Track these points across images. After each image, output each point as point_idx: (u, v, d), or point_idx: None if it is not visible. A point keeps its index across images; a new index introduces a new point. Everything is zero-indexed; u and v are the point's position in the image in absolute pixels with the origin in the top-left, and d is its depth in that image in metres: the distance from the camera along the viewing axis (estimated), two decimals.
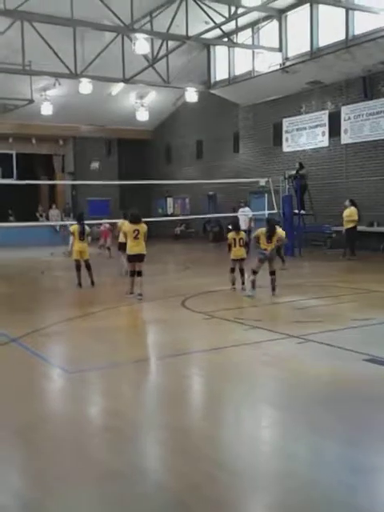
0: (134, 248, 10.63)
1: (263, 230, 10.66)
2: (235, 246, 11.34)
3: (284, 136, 22.51)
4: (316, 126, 21.14)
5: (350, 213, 16.50)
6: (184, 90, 23.18)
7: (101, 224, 19.87)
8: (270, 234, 10.53)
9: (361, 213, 16.96)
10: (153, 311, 10.08)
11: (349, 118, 19.82)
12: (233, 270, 11.33)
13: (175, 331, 8.14)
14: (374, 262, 15.64)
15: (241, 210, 21.12)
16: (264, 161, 23.48)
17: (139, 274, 10.68)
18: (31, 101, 23.19)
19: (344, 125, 19.98)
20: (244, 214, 20.76)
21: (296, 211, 18.28)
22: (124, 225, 11.00)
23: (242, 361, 6.46)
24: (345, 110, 19.94)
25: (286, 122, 22.37)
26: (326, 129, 20.71)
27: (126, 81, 21.01)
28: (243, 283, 11.23)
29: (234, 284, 11.28)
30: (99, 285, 12.32)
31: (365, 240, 18.25)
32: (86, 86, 20.80)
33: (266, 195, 22.17)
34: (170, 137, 29.58)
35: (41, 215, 28.34)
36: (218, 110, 25.41)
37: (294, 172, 19.04)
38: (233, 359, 6.53)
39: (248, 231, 21.06)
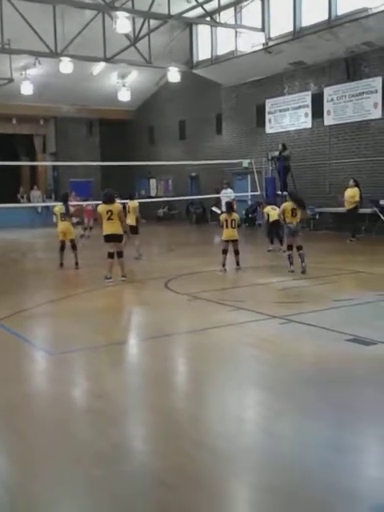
0: (107, 229, 10.35)
1: (288, 204, 10.95)
2: (227, 226, 11.33)
3: (267, 117, 22.43)
4: (299, 107, 21.08)
5: (353, 193, 16.30)
6: (166, 69, 22.95)
7: (82, 205, 19.71)
8: (294, 208, 10.82)
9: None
10: (136, 293, 10.06)
11: (332, 100, 19.79)
12: (224, 251, 11.32)
13: (159, 313, 8.14)
14: (360, 244, 15.72)
15: (223, 191, 21.15)
16: (247, 142, 23.41)
17: (119, 255, 10.48)
18: (11, 80, 22.80)
19: (327, 106, 19.95)
20: (226, 196, 20.81)
21: (279, 192, 18.30)
22: (99, 206, 10.68)
23: (225, 342, 6.47)
24: (328, 91, 19.89)
25: (268, 103, 22.28)
26: (309, 110, 20.67)
27: (107, 60, 20.73)
28: (238, 264, 11.29)
29: (224, 265, 11.26)
30: (83, 266, 12.25)
31: (345, 222, 18.36)
32: (66, 66, 20.48)
33: (249, 176, 22.17)
34: (153, 117, 29.34)
35: (22, 197, 28.06)
36: (201, 90, 25.22)
37: (276, 153, 19.02)
38: (216, 340, 6.55)
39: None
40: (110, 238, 10.42)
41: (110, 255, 10.42)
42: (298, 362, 5.70)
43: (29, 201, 27.68)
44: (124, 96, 26.48)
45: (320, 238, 16.67)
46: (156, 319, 7.78)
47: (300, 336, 6.64)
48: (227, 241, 11.36)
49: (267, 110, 22.38)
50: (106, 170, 27.95)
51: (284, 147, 19.07)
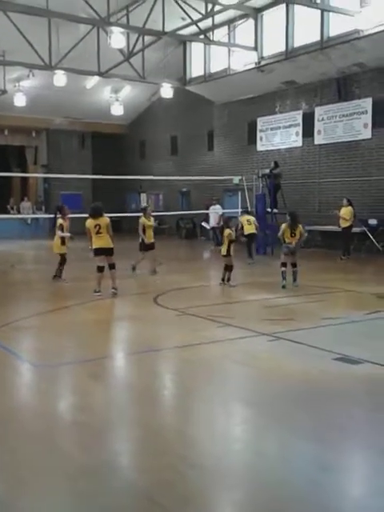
0: (97, 242, 10.28)
1: (286, 225, 11.27)
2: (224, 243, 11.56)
3: (258, 135, 22.60)
4: (290, 126, 21.27)
5: (345, 212, 16.49)
6: (159, 85, 23.10)
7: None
8: (293, 228, 11.20)
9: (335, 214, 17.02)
10: (125, 307, 10.03)
11: (322, 119, 20.00)
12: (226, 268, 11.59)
13: (147, 327, 8.11)
14: (349, 263, 15.81)
15: (212, 207, 21.26)
16: (238, 159, 23.55)
17: (111, 267, 10.41)
18: (4, 91, 22.87)
19: (317, 125, 20.15)
20: (215, 212, 20.97)
21: (269, 210, 18.39)
22: (87, 221, 10.54)
23: (213, 358, 6.46)
24: (318, 111, 20.10)
25: (260, 121, 22.46)
26: (300, 129, 20.86)
27: (101, 74, 20.84)
28: (228, 279, 11.48)
29: (223, 280, 11.53)
30: (72, 279, 12.20)
31: (336, 240, 18.48)
32: (60, 78, 20.57)
33: (240, 193, 22.27)
34: (145, 132, 29.46)
35: (12, 208, 27.98)
36: (193, 106, 25.39)
37: (267, 171, 19.15)
38: (204, 356, 6.53)
39: (219, 228, 21.25)
40: (99, 252, 10.36)
41: (100, 269, 10.35)
42: (285, 379, 5.70)
43: (19, 212, 27.61)
44: (117, 110, 26.60)
45: (309, 256, 16.73)
46: (144, 334, 7.76)
47: (288, 354, 6.64)
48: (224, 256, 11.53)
49: (259, 127, 22.56)
50: (97, 183, 27.99)
51: (276, 165, 19.20)
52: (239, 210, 21.21)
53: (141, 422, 4.72)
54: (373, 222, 17.71)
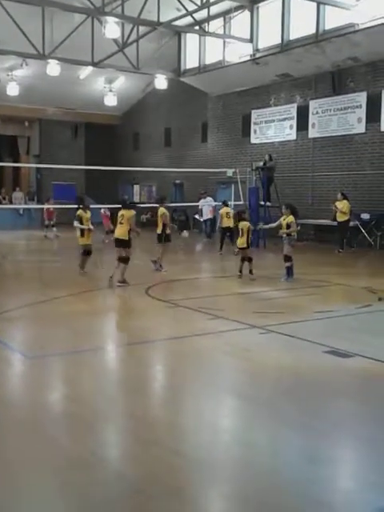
0: (116, 231, 10.80)
1: (291, 217, 11.17)
2: (238, 235, 11.65)
3: (252, 127, 22.56)
4: (284, 119, 21.25)
5: (343, 205, 16.51)
6: (153, 76, 22.99)
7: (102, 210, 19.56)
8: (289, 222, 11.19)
9: (325, 207, 17.17)
10: (116, 299, 10.03)
11: (317, 113, 19.98)
12: (242, 259, 11.53)
13: (138, 319, 8.12)
14: (341, 256, 15.85)
15: (202, 200, 21.23)
16: (232, 151, 23.51)
17: (121, 260, 10.60)
18: None
19: (312, 119, 20.14)
20: (207, 204, 20.97)
21: (262, 203, 18.39)
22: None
23: (204, 350, 6.47)
24: (313, 105, 20.08)
25: (254, 114, 22.42)
26: (294, 122, 20.84)
27: (94, 64, 20.72)
28: (251, 272, 11.37)
29: (241, 271, 11.47)
30: (68, 270, 12.17)
31: (328, 234, 18.54)
32: (53, 68, 20.44)
33: (233, 186, 22.26)
34: (138, 123, 29.34)
35: (4, 198, 27.84)
36: (187, 98, 25.30)
37: (261, 164, 19.13)
38: (195, 348, 6.54)
39: (212, 219, 21.28)
40: (116, 242, 10.76)
41: (122, 260, 10.62)
42: (276, 372, 5.71)
43: (10, 202, 27.48)
44: (110, 101, 26.48)
45: (301, 250, 16.75)
46: (135, 325, 7.76)
47: (279, 346, 6.66)
48: (240, 248, 11.61)
49: (253, 120, 22.51)
50: (90, 173, 27.86)
51: (270, 158, 19.19)
52: (232, 203, 21.25)
53: (131, 413, 4.72)
54: (365, 216, 17.75)
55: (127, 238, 10.62)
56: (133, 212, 10.80)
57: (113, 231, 16.73)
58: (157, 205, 13.40)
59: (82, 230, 11.77)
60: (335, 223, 17.12)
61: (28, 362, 6.16)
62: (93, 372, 5.83)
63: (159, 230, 12.38)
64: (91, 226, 11.92)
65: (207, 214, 21.00)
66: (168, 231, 12.47)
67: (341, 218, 16.57)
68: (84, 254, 11.85)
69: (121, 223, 10.68)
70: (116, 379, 5.76)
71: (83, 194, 28.76)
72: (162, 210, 12.59)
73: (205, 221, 21.22)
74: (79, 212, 11.90)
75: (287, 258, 11.18)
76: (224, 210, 16.42)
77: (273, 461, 3.92)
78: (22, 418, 4.62)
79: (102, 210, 19.50)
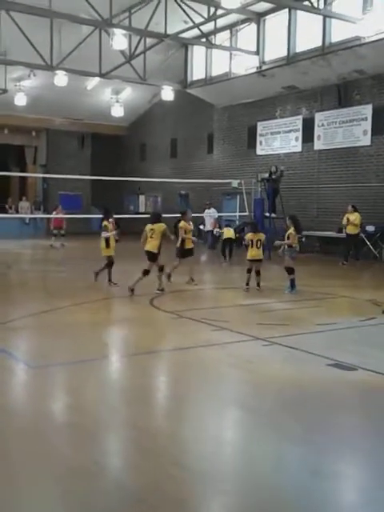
0: (146, 245, 10.83)
1: (291, 229, 11.15)
2: (252, 246, 11.39)
3: (258, 139, 22.65)
4: (290, 131, 21.32)
5: (356, 218, 16.47)
6: (160, 87, 23.14)
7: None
8: (298, 232, 11.22)
9: (330, 219, 17.17)
10: (121, 309, 10.04)
11: (322, 125, 20.04)
12: (249, 271, 11.39)
13: (142, 330, 8.12)
14: (345, 269, 15.83)
15: (206, 210, 21.26)
16: (237, 163, 23.59)
17: (160, 269, 10.88)
18: (5, 91, 22.91)
19: (317, 131, 20.20)
20: (209, 215, 21.00)
21: (267, 214, 18.42)
22: (146, 226, 11.05)
23: (207, 361, 6.47)
24: (319, 117, 20.15)
25: (260, 126, 22.51)
26: (300, 134, 20.91)
27: (102, 75, 20.88)
28: (258, 284, 11.29)
29: (248, 284, 11.31)
30: (72, 280, 12.18)
31: (333, 246, 18.53)
32: (61, 79, 20.61)
33: (238, 197, 22.30)
34: (145, 134, 29.49)
35: (10, 207, 27.98)
36: (194, 109, 25.43)
37: (266, 175, 19.18)
38: (199, 359, 6.54)
39: (213, 231, 21.29)
40: (146, 255, 10.83)
41: (145, 272, 10.70)
42: (278, 384, 5.71)
43: (17, 212, 27.61)
44: (117, 112, 26.64)
45: (305, 262, 16.76)
46: (139, 336, 7.77)
47: (282, 359, 6.65)
48: (252, 260, 11.40)
49: (258, 132, 22.60)
50: (96, 184, 27.98)
51: (276, 169, 19.23)
52: (237, 214, 21.30)
53: (134, 423, 4.73)
54: (370, 228, 17.74)
55: (157, 252, 10.78)
56: (164, 226, 10.93)
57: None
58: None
59: (107, 241, 11.72)
60: (342, 235, 17.11)
61: (31, 371, 6.17)
62: (96, 382, 5.84)
63: (178, 244, 12.25)
64: (116, 237, 11.96)
65: (209, 226, 21.00)
66: (188, 246, 12.23)
67: (352, 230, 16.52)
68: (108, 265, 11.75)
69: (151, 237, 10.75)
70: (119, 389, 5.76)
71: (89, 204, 28.96)
72: (181, 223, 12.45)
73: (207, 231, 21.24)
74: (105, 223, 11.88)
75: (289, 270, 11.13)
76: (226, 229, 17.05)
77: (275, 473, 3.92)
78: (25, 426, 4.63)
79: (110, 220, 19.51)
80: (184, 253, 12.21)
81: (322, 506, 3.46)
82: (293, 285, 11.08)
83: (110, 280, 11.69)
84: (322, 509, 3.43)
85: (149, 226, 10.91)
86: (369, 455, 4.25)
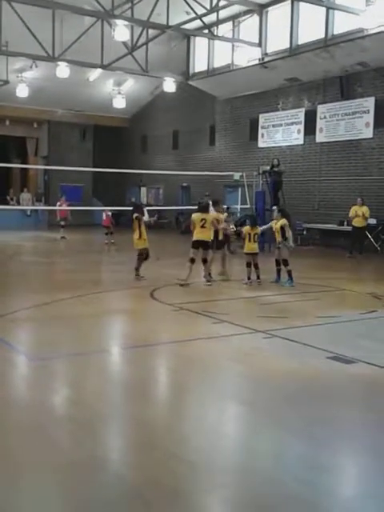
0: (197, 234, 10.95)
1: (284, 221, 11.22)
2: (249, 240, 11.39)
3: (260, 131, 22.59)
4: (292, 123, 21.26)
5: (365, 210, 16.46)
6: (162, 79, 23.07)
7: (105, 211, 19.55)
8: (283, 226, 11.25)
9: (331, 212, 17.16)
10: (121, 301, 10.05)
11: (324, 117, 19.98)
12: (249, 264, 11.39)
13: (142, 322, 8.14)
14: (347, 261, 15.82)
15: None
16: (239, 155, 23.54)
17: (205, 261, 11.00)
18: (6, 82, 22.83)
19: (319, 123, 20.14)
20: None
21: (268, 207, 18.37)
22: (193, 215, 11.20)
23: (207, 354, 6.48)
24: (321, 109, 20.08)
25: (262, 118, 22.45)
26: (302, 126, 20.85)
27: (104, 67, 20.80)
28: (258, 277, 11.30)
29: (249, 278, 11.31)
30: (74, 271, 12.18)
31: (334, 239, 18.51)
32: (63, 70, 20.55)
33: (240, 189, 22.27)
34: (147, 126, 29.42)
35: (11, 199, 27.97)
36: (196, 101, 25.35)
37: (268, 168, 19.13)
38: (199, 352, 6.55)
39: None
40: (197, 244, 10.95)
41: (192, 260, 10.88)
42: (278, 377, 5.71)
43: (18, 203, 27.60)
44: (119, 103, 26.57)
45: (306, 254, 16.77)
46: (139, 328, 7.78)
47: (282, 351, 6.66)
48: (249, 253, 11.41)
49: (260, 124, 22.54)
50: (97, 175, 27.98)
51: (278, 162, 19.18)
52: (239, 207, 21.24)
53: (133, 416, 4.74)
54: (372, 221, 17.72)
55: (210, 240, 11.08)
56: (213, 214, 11.18)
57: (112, 233, 16.60)
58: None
59: (140, 234, 11.65)
60: (343, 228, 17.10)
61: (32, 363, 6.18)
62: (95, 374, 5.86)
63: (209, 237, 11.34)
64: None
65: None
66: (221, 237, 11.97)
67: (360, 223, 16.50)
68: (141, 257, 11.65)
69: (203, 227, 10.91)
70: (118, 382, 5.78)
71: (90, 196, 28.92)
72: (213, 214, 11.64)
73: None
74: (135, 214, 11.80)
75: (286, 262, 11.14)
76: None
77: (274, 467, 3.92)
78: (24, 419, 4.65)
79: (105, 213, 19.45)
80: (219, 245, 12.10)
81: (322, 499, 3.47)
82: (291, 276, 11.08)
83: (137, 271, 11.53)
84: (322, 502, 3.44)
85: (198, 216, 11.02)
86: (369, 448, 4.26)
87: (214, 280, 11.40)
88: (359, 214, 16.41)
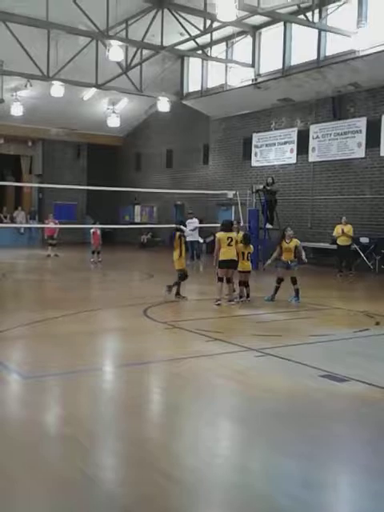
0: (227, 253, 10.90)
1: (298, 241, 11.58)
2: (243, 258, 11.46)
3: (253, 150, 22.76)
4: (285, 143, 21.44)
5: (349, 230, 16.50)
6: (156, 99, 23.26)
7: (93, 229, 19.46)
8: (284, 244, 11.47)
9: (324, 230, 17.23)
10: (114, 319, 10.02)
11: (317, 137, 20.16)
12: (241, 283, 11.47)
13: (135, 340, 8.10)
14: (340, 280, 15.86)
15: (189, 220, 21.22)
16: (233, 174, 23.68)
17: (229, 280, 10.97)
18: (1, 100, 22.99)
19: (312, 143, 20.32)
20: (192, 224, 20.91)
21: (262, 226, 18.47)
22: (218, 233, 11.18)
23: (200, 372, 6.46)
24: (313, 129, 20.28)
25: (255, 137, 22.63)
26: (295, 146, 21.03)
27: (98, 86, 20.98)
28: (248, 295, 11.39)
29: (242, 296, 11.39)
30: (66, 289, 12.15)
31: (327, 257, 18.57)
32: (57, 89, 20.69)
33: (233, 208, 22.34)
34: (141, 145, 29.59)
35: (5, 217, 27.97)
36: (190, 121, 25.55)
37: (261, 186, 19.24)
38: (192, 370, 6.53)
39: (198, 241, 21.18)
40: (225, 263, 10.90)
41: (220, 279, 10.88)
42: (271, 396, 5.70)
43: (12, 221, 27.59)
44: (113, 122, 26.73)
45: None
46: (132, 347, 7.75)
47: (275, 370, 6.65)
48: (242, 272, 11.46)
49: (254, 143, 22.72)
50: (91, 194, 28.06)
51: (272, 180, 19.29)
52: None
53: (126, 435, 4.71)
54: (365, 240, 17.81)
55: (237, 259, 11.09)
56: (238, 235, 11.32)
57: (99, 252, 16.51)
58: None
59: (180, 253, 11.58)
60: (334, 246, 17.15)
61: (24, 382, 6.14)
62: (87, 393, 5.82)
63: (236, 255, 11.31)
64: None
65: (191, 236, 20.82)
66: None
67: (344, 242, 16.53)
68: (181, 278, 11.54)
69: (230, 245, 10.91)
70: (111, 400, 5.74)
71: (84, 213, 28.93)
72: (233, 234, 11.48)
73: (191, 242, 20.95)
74: (178, 234, 11.77)
75: (295, 281, 11.36)
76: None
77: (267, 485, 3.90)
78: (16, 438, 4.61)
79: (93, 229, 19.40)
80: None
81: None
82: (298, 294, 11.32)
83: (178, 293, 11.48)
84: None
85: (224, 234, 11.01)
86: (361, 466, 4.24)
87: (239, 300, 11.27)
88: (345, 231, 16.43)
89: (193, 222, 21.04)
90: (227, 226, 11.24)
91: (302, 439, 4.66)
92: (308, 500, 3.66)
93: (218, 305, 10.75)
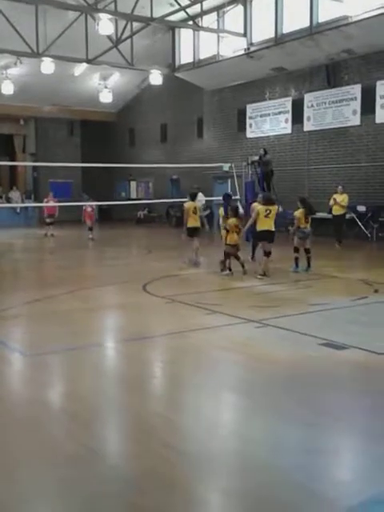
0: (265, 224, 10.97)
1: (301, 210, 11.53)
2: (233, 231, 11.31)
3: (248, 122, 22.58)
4: (279, 113, 21.26)
5: (343, 199, 16.28)
6: (148, 72, 22.99)
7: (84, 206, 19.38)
8: (307, 213, 11.53)
9: (321, 200, 17.17)
10: (113, 295, 10.05)
11: (312, 106, 19.98)
12: (230, 256, 11.30)
13: (136, 315, 8.14)
14: (338, 249, 15.86)
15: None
16: (228, 146, 23.52)
17: (267, 254, 10.97)
18: None
19: (307, 112, 20.15)
20: (198, 200, 20.83)
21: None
22: (257, 206, 11.25)
23: (201, 345, 6.50)
24: (308, 98, 20.09)
25: (249, 108, 22.43)
26: (289, 116, 20.85)
27: (89, 61, 20.71)
28: (243, 266, 11.22)
29: (230, 269, 11.25)
30: (65, 267, 12.16)
31: (324, 227, 18.53)
32: (48, 66, 20.43)
33: (230, 180, 22.25)
34: (134, 120, 29.33)
35: (0, 197, 27.85)
36: (183, 94, 25.29)
37: (256, 158, 19.14)
38: (192, 343, 6.57)
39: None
40: (264, 235, 11.05)
41: (268, 254, 10.98)
42: (272, 365, 5.75)
43: (7, 201, 27.48)
44: (106, 98, 26.45)
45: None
46: (133, 322, 7.79)
47: (275, 340, 6.69)
48: (234, 245, 11.25)
49: (248, 114, 22.52)
50: (86, 171, 27.88)
51: (265, 152, 19.19)
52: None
53: (128, 409, 4.75)
54: (361, 208, 17.77)
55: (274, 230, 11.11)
56: (277, 208, 11.39)
57: (91, 229, 16.46)
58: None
59: (227, 231, 11.32)
60: (327, 217, 17.07)
61: (26, 359, 6.19)
62: (89, 369, 5.87)
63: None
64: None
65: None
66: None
67: (338, 211, 16.41)
68: (229, 254, 11.31)
69: (267, 217, 10.95)
70: (112, 375, 5.79)
71: (80, 191, 28.78)
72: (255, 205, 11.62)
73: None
74: (221, 211, 11.98)
75: (294, 249, 11.47)
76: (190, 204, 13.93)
77: (270, 453, 3.95)
78: (20, 415, 4.65)
79: (85, 206, 19.28)
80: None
81: (319, 484, 3.49)
82: (297, 264, 11.41)
83: (227, 267, 11.32)
84: (318, 486, 3.47)
85: (263, 207, 11.04)
86: (364, 432, 4.30)
87: (266, 275, 10.92)
88: (338, 201, 16.29)
89: (198, 197, 20.97)
90: (267, 200, 11.34)
91: (304, 407, 4.71)
92: (311, 466, 3.70)
93: (261, 277, 10.73)
